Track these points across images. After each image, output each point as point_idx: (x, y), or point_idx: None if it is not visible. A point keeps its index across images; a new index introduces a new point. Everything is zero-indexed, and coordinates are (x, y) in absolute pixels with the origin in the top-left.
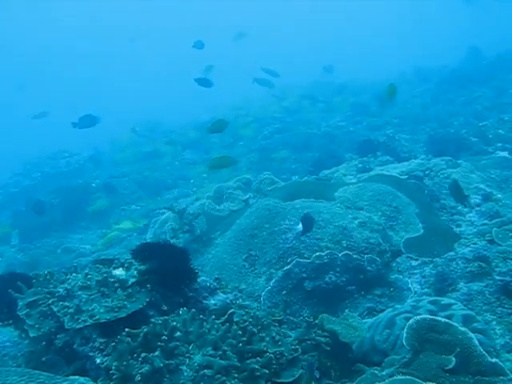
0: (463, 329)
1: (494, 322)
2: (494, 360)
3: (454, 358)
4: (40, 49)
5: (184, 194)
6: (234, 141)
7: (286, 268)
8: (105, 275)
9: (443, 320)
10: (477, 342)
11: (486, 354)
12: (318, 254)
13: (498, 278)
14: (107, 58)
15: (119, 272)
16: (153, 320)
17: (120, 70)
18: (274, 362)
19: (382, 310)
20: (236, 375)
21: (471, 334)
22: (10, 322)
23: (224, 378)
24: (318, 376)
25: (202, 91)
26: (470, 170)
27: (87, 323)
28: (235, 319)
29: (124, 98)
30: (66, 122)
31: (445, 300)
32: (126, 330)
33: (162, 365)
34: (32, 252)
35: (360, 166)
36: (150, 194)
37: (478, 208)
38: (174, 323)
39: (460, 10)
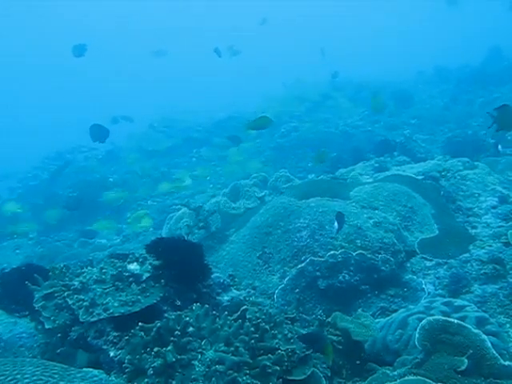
0: (476, 331)
1: (508, 325)
2: (507, 363)
3: (466, 360)
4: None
5: (200, 191)
6: (251, 138)
7: (299, 266)
8: (119, 269)
9: (456, 321)
10: (490, 345)
11: (499, 357)
12: (332, 252)
13: None
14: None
15: (134, 267)
16: (166, 315)
17: (138, 69)
18: (286, 359)
19: (395, 310)
20: (248, 371)
21: (484, 336)
22: (27, 313)
23: (235, 374)
24: (329, 374)
25: (219, 90)
26: (487, 171)
27: (101, 316)
28: (248, 316)
29: (142, 95)
30: (82, 117)
31: (458, 301)
32: (140, 324)
33: (174, 359)
34: (49, 245)
35: (376, 165)
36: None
37: (494, 210)
38: (187, 318)
39: (483, 10)
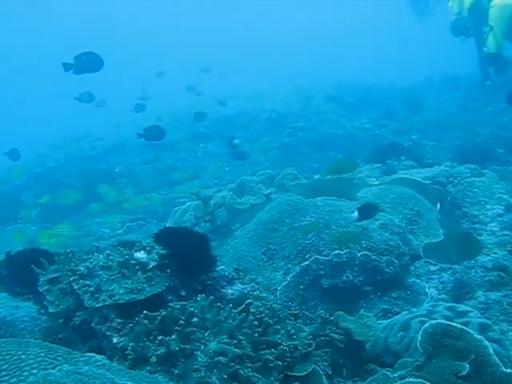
0: (479, 336)
1: (511, 333)
2: (508, 371)
3: (467, 365)
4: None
5: (205, 185)
6: (257, 136)
7: (304, 264)
8: (126, 257)
9: (459, 326)
10: (492, 351)
11: (501, 364)
12: (336, 252)
13: None
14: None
15: (141, 255)
16: (171, 304)
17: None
18: (288, 354)
19: (398, 313)
20: (250, 365)
21: (487, 343)
22: (31, 296)
23: (238, 366)
24: (330, 373)
25: (229, 88)
26: (494, 179)
27: (106, 303)
28: (252, 310)
29: (151, 88)
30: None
31: (461, 307)
32: (144, 312)
33: (177, 348)
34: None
35: (384, 168)
36: (171, 183)
37: (499, 218)
38: (192, 309)
39: None
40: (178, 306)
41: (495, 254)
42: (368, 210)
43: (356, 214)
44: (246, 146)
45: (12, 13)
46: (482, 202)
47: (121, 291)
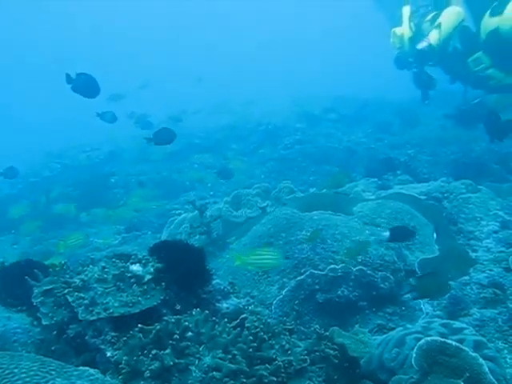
0: (474, 354)
1: (506, 351)
2: None
3: (462, 383)
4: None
5: (201, 197)
6: (253, 148)
7: (299, 278)
8: (122, 269)
9: (454, 343)
10: (487, 369)
11: (496, 382)
12: (332, 266)
13: None
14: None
15: (136, 268)
16: (166, 318)
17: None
18: (283, 370)
19: (392, 328)
20: (244, 380)
21: (482, 361)
22: (24, 308)
23: (232, 381)
24: None
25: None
26: (489, 196)
27: (101, 316)
28: (247, 324)
29: (146, 99)
30: (86, 116)
31: (457, 324)
32: (139, 325)
33: (171, 363)
34: (46, 242)
35: (379, 182)
36: (166, 195)
37: (495, 235)
38: (187, 323)
39: None
40: (173, 320)
41: (490, 270)
42: (401, 234)
43: (387, 233)
44: (241, 159)
45: None
46: (478, 218)
47: (115, 304)
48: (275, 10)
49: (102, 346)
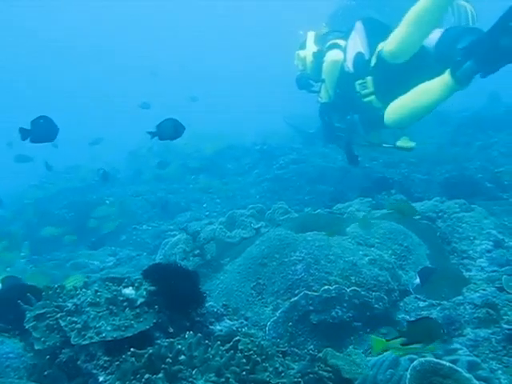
0: (468, 375)
1: (500, 372)
2: None
3: None
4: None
5: (196, 218)
6: (248, 168)
7: (293, 299)
8: (115, 293)
9: (448, 364)
10: None
11: None
12: (326, 287)
13: (505, 326)
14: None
15: (129, 291)
16: (158, 341)
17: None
18: None
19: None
20: None
21: (475, 382)
22: (17, 332)
23: None
24: None
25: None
26: (483, 215)
27: (93, 340)
28: (240, 347)
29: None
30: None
31: (452, 344)
32: (132, 349)
33: None
34: (41, 265)
35: (373, 202)
36: (162, 215)
37: (488, 254)
38: (180, 346)
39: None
40: (166, 344)
41: (484, 290)
42: (427, 273)
43: (418, 280)
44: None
45: None
46: (471, 238)
47: (108, 328)
48: (267, 27)
49: (95, 371)
